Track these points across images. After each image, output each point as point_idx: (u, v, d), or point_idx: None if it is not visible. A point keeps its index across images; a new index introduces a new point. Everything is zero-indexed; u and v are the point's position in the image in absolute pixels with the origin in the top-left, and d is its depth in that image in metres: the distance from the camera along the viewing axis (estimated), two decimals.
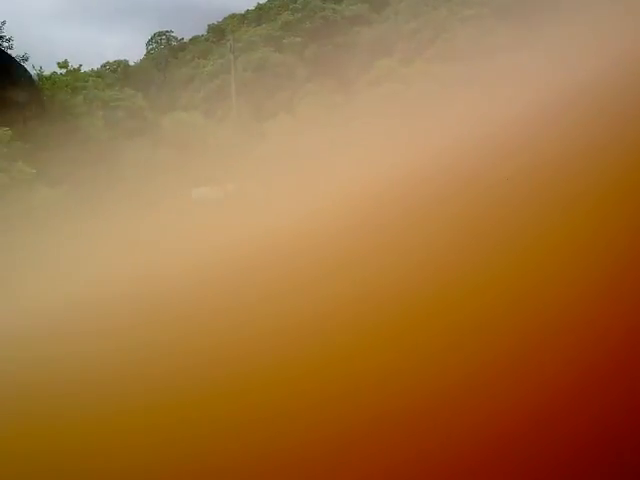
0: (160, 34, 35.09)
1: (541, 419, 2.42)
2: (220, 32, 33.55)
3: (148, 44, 34.84)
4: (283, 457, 2.49)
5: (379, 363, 2.61)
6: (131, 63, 33.73)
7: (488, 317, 2.64)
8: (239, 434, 2.59)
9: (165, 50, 34.21)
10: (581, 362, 2.51)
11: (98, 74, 28.01)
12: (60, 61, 22.49)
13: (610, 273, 2.78)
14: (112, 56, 32.83)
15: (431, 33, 25.64)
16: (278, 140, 17.44)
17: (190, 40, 34.74)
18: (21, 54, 21.15)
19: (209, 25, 34.53)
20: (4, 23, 26.92)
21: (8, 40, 24.47)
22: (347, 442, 2.45)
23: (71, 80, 21.15)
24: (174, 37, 35.15)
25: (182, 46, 34.57)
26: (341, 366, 2.63)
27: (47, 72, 20.61)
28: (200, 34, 34.58)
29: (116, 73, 31.74)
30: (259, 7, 34.88)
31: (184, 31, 34.96)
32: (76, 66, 22.96)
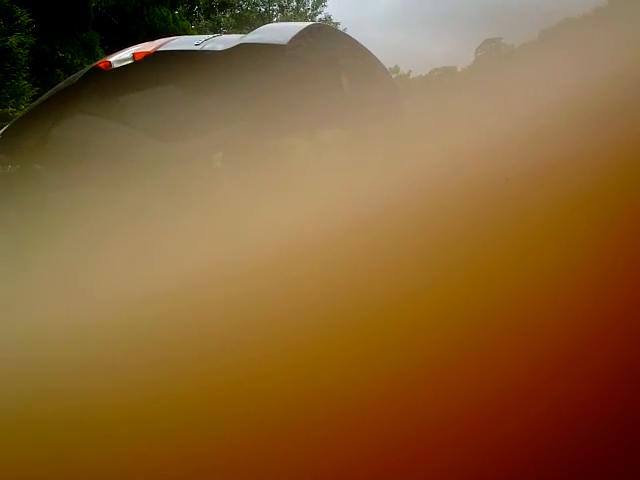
0: (490, 41, 35.47)
1: (544, 420, 2.35)
2: (549, 37, 32.56)
3: (477, 51, 35.55)
4: (288, 458, 2.52)
5: (383, 366, 2.62)
6: (459, 70, 34.85)
7: (493, 319, 2.58)
8: (241, 435, 2.63)
9: (494, 57, 34.49)
10: (584, 362, 2.42)
11: (425, 80, 29.58)
12: (391, 67, 24.08)
13: (617, 274, 2.59)
14: (441, 62, 34.17)
15: None
16: None
17: (520, 47, 34.38)
18: None
19: (541, 31, 33.78)
20: (345, 30, 29.99)
21: None
22: (349, 443, 2.49)
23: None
24: (504, 44, 35.23)
25: (510, 52, 34.43)
26: (342, 371, 2.66)
27: None
28: (530, 40, 33.98)
29: (443, 80, 33.14)
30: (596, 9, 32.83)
31: (514, 37, 34.87)
32: (405, 72, 24.31)
